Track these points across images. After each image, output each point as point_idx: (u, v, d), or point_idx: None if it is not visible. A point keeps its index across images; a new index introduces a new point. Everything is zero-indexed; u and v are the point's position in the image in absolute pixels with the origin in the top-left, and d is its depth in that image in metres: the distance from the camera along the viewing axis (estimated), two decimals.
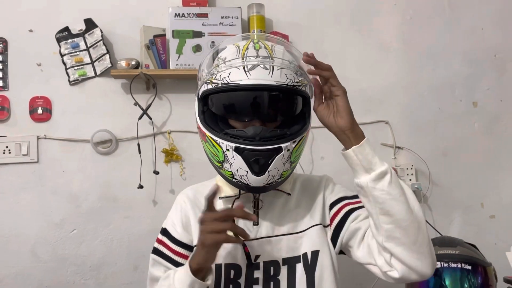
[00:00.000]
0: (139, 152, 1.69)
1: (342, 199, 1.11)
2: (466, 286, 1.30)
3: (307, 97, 1.04)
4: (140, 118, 1.69)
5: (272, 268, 1.05)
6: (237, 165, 0.97)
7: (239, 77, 0.97)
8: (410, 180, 1.83)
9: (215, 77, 1.00)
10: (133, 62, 1.68)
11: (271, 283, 1.04)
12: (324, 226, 1.09)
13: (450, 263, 1.32)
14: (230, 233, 0.92)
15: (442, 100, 1.91)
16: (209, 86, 1.01)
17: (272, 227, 1.06)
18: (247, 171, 0.97)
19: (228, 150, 0.97)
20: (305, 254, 1.06)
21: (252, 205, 1.07)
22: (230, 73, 0.99)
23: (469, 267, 1.31)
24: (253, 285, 1.04)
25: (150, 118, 1.71)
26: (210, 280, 0.98)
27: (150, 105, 1.70)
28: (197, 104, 1.06)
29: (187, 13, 1.71)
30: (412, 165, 1.84)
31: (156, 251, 1.10)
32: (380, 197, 0.93)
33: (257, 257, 1.05)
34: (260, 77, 0.97)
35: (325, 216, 1.10)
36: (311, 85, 1.05)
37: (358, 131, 0.98)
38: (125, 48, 1.75)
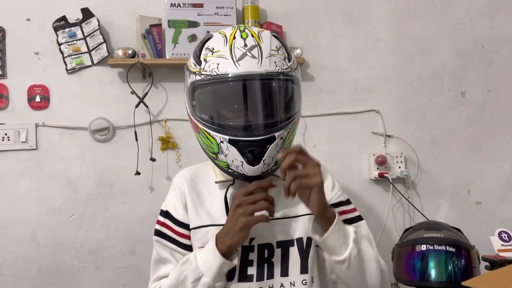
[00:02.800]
0: (136, 139, 1.73)
1: (340, 204, 1.15)
2: (450, 267, 1.36)
3: (297, 82, 1.05)
4: (136, 106, 1.73)
5: (266, 251, 1.08)
6: (232, 156, 0.98)
7: (228, 68, 0.97)
8: (399, 167, 1.88)
9: (203, 68, 1.00)
10: (130, 51, 1.71)
11: (265, 265, 1.07)
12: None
13: (435, 245, 1.38)
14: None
15: (431, 90, 1.96)
16: (198, 77, 1.00)
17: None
18: (243, 162, 0.98)
19: (222, 142, 0.98)
20: (300, 239, 1.09)
21: None
22: (218, 64, 0.98)
23: (453, 250, 1.37)
24: (247, 266, 1.07)
25: (147, 107, 1.74)
26: (236, 259, 1.01)
27: (146, 94, 1.74)
28: (186, 95, 1.06)
29: (183, 3, 1.74)
30: (402, 153, 1.89)
31: (159, 233, 1.12)
32: (337, 272, 1.04)
33: (252, 239, 1.07)
34: (249, 67, 0.97)
35: None
36: (299, 69, 1.07)
37: (329, 215, 1.01)
38: (122, 38, 1.77)
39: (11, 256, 1.70)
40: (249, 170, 0.99)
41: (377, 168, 1.86)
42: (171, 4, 1.73)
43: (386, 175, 1.84)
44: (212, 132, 1.00)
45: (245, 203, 0.97)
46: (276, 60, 1.00)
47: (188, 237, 1.10)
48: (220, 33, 1.05)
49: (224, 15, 1.75)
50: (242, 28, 1.04)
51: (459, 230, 1.50)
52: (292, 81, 1.04)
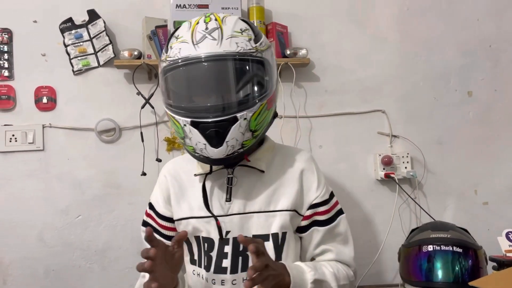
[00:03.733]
0: (142, 140, 1.74)
1: (324, 203, 1.13)
2: (457, 268, 1.35)
3: (265, 63, 1.02)
4: (142, 107, 1.73)
5: (240, 244, 1.06)
6: (196, 139, 0.97)
7: (187, 52, 0.97)
8: (406, 168, 1.87)
9: (169, 55, 1.01)
10: (136, 53, 1.72)
11: (240, 258, 1.07)
12: (298, 214, 1.10)
13: (442, 246, 1.36)
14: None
15: (438, 90, 1.95)
16: (164, 64, 1.02)
17: (244, 204, 1.08)
18: (205, 144, 0.97)
19: (185, 125, 0.98)
20: (275, 234, 1.08)
21: (225, 181, 1.09)
22: (180, 48, 0.98)
23: (460, 250, 1.35)
24: (223, 259, 1.07)
25: (153, 107, 1.75)
26: None
27: (152, 95, 1.74)
28: (159, 83, 1.08)
29: (188, 4, 1.74)
30: (408, 153, 1.88)
31: (144, 224, 1.17)
32: None
33: (227, 232, 1.08)
34: (208, 48, 0.96)
35: (301, 204, 1.11)
36: (272, 51, 1.05)
37: None
38: (128, 39, 1.78)
39: (18, 256, 1.71)
40: (212, 152, 0.98)
41: (383, 169, 1.85)
42: (177, 5, 1.73)
43: (392, 175, 1.83)
44: (176, 116, 1.00)
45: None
46: (239, 41, 0.98)
47: (171, 229, 1.14)
48: (188, 21, 1.06)
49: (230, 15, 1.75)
50: (208, 14, 1.05)
51: (466, 230, 1.48)
52: (258, 62, 1.01)
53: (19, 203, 1.72)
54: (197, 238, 1.11)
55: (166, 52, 1.03)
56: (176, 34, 1.05)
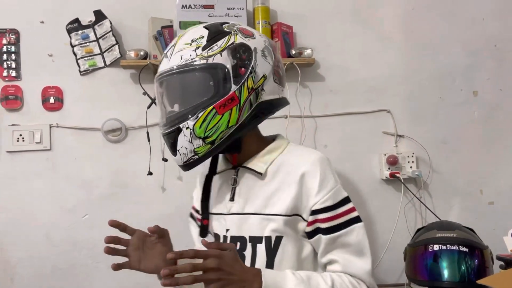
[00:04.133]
0: (148, 140, 1.74)
1: (326, 210, 1.05)
2: (463, 268, 1.35)
3: (212, 67, 1.01)
4: (149, 107, 1.74)
5: (239, 243, 1.07)
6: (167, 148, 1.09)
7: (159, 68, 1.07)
8: (411, 167, 1.87)
9: None
10: (142, 53, 1.72)
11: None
12: (303, 219, 1.06)
13: (448, 245, 1.37)
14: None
15: (443, 89, 1.94)
16: None
17: (243, 205, 1.09)
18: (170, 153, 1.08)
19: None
20: (268, 237, 1.05)
21: (231, 182, 1.12)
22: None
23: (466, 250, 1.36)
24: None
25: None
26: None
27: None
28: None
29: (194, 5, 1.75)
30: (413, 153, 1.88)
31: (190, 215, 1.27)
32: None
33: (227, 231, 1.10)
34: (161, 67, 1.05)
35: (304, 209, 1.05)
36: (235, 50, 1.02)
37: None
38: (134, 39, 1.79)
39: (26, 255, 1.72)
40: (175, 160, 1.07)
41: (388, 168, 1.85)
42: (182, 5, 1.74)
43: (397, 175, 1.83)
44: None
45: None
46: (183, 54, 1.01)
47: (198, 219, 1.21)
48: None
49: (235, 16, 1.76)
50: (185, 30, 1.09)
51: (472, 230, 1.49)
52: (195, 70, 1.01)
53: (26, 202, 1.73)
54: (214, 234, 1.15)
55: None
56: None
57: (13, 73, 1.74)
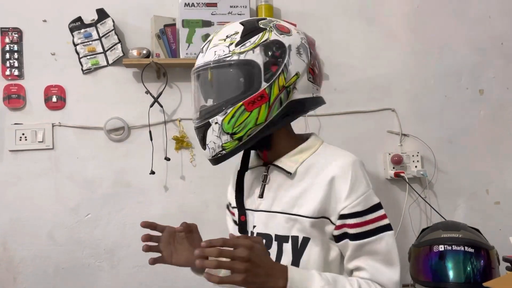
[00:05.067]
0: (151, 139, 1.74)
1: (354, 215, 1.01)
2: (468, 268, 1.33)
3: (243, 64, 1.01)
4: (151, 106, 1.74)
5: (264, 241, 1.04)
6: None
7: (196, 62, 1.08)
8: (416, 167, 1.85)
9: None
10: (144, 51, 1.72)
11: None
12: (331, 222, 1.03)
13: (453, 246, 1.35)
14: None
15: (449, 88, 1.92)
16: None
17: (271, 203, 1.08)
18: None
19: None
20: (295, 237, 1.04)
21: (262, 178, 1.11)
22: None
23: (472, 250, 1.34)
24: None
25: (161, 106, 1.75)
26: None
27: (161, 93, 1.75)
28: None
29: (197, 3, 1.74)
30: (418, 152, 1.87)
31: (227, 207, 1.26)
32: None
33: (254, 227, 1.10)
34: (197, 62, 1.06)
35: (333, 212, 1.03)
36: (269, 48, 1.01)
37: None
38: (136, 38, 1.78)
39: (29, 254, 1.72)
40: (204, 153, 1.07)
41: (393, 168, 1.83)
42: (185, 3, 1.73)
43: (402, 174, 1.81)
44: None
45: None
46: (217, 49, 1.02)
47: (232, 214, 1.21)
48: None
49: (238, 14, 1.75)
50: (224, 25, 1.10)
51: (478, 230, 1.47)
52: (228, 66, 1.02)
53: (29, 201, 1.73)
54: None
55: None
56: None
57: (16, 72, 1.74)
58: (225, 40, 1.03)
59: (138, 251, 1.73)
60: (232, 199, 1.18)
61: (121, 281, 1.75)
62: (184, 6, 1.73)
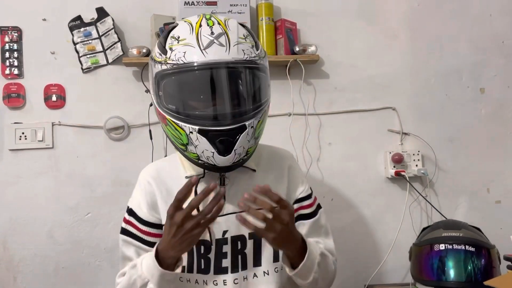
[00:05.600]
0: (151, 138, 1.73)
1: (305, 198, 1.17)
2: (469, 267, 1.33)
3: (265, 70, 1.03)
4: (151, 105, 1.71)
5: (239, 242, 1.08)
6: (203, 147, 0.96)
7: (195, 56, 0.94)
8: (416, 165, 1.85)
9: (169, 57, 0.97)
10: (144, 50, 1.71)
11: (239, 256, 1.08)
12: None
13: (454, 245, 1.35)
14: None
15: (449, 86, 1.92)
16: (164, 67, 0.97)
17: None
18: (213, 152, 0.96)
19: (191, 132, 0.95)
20: None
21: (218, 182, 1.07)
22: (185, 52, 0.95)
23: (473, 249, 1.34)
24: (222, 259, 1.07)
25: None
26: (180, 267, 1.01)
27: None
28: (152, 85, 1.03)
29: (196, 1, 1.73)
30: (419, 151, 1.86)
31: (124, 231, 1.11)
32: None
33: (225, 232, 1.07)
34: (217, 54, 0.95)
35: (289, 200, 1.13)
36: (267, 57, 1.06)
37: (297, 246, 1.02)
38: (136, 36, 1.78)
39: (29, 254, 1.72)
40: (220, 160, 0.97)
41: (394, 166, 1.83)
42: (185, 2, 1.72)
43: (403, 173, 1.81)
44: (180, 123, 0.97)
45: (182, 220, 0.92)
46: (244, 48, 0.98)
47: (154, 235, 1.09)
48: (185, 21, 1.02)
49: (238, 12, 1.74)
50: (208, 16, 1.02)
51: (478, 229, 1.46)
52: (259, 69, 1.02)
53: (29, 200, 1.72)
54: None
55: (164, 53, 0.98)
56: (174, 34, 1.00)
57: (16, 71, 1.73)
58: (245, 40, 1.00)
59: None
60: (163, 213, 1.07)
61: None
62: (184, 5, 1.73)
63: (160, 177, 1.13)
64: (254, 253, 1.09)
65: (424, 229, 1.54)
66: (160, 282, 0.97)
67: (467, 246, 1.34)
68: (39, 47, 1.74)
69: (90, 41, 1.76)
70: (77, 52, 1.75)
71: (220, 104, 0.97)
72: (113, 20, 1.75)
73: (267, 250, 1.10)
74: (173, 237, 0.93)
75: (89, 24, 1.76)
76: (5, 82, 1.72)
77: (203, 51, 0.95)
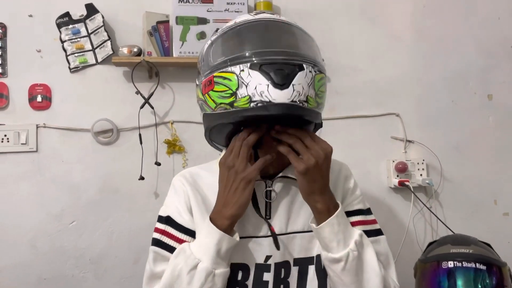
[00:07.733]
0: (141, 142, 1.64)
1: (359, 212, 1.03)
2: (480, 287, 1.24)
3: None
4: (141, 107, 1.64)
5: (283, 270, 0.95)
6: (256, 81, 0.83)
7: (246, 18, 0.95)
8: (421, 175, 1.77)
9: (228, 25, 0.99)
10: (135, 49, 1.63)
11: (281, 286, 0.95)
12: None
13: (463, 262, 1.26)
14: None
15: (456, 92, 1.84)
16: (223, 30, 0.98)
17: (286, 223, 0.96)
18: (268, 85, 0.82)
19: (242, 70, 0.84)
20: (318, 256, 0.96)
21: (263, 195, 0.96)
22: (237, 17, 0.97)
23: (484, 267, 1.25)
24: None
25: (152, 108, 1.65)
26: (237, 235, 0.91)
27: (152, 94, 1.65)
28: (204, 59, 0.97)
29: None
30: (423, 160, 1.78)
31: (158, 243, 0.97)
32: (332, 275, 0.92)
33: (268, 257, 0.95)
34: (269, 16, 0.96)
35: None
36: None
37: (328, 202, 0.92)
38: (127, 35, 1.69)
39: (10, 263, 1.62)
40: (276, 95, 0.82)
41: (397, 176, 1.74)
42: None
43: (406, 183, 1.72)
44: (230, 68, 0.86)
45: (234, 160, 0.90)
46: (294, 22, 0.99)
47: None
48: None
49: (235, 11, 1.66)
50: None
51: (489, 245, 1.37)
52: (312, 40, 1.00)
53: (10, 206, 1.63)
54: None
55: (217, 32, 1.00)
56: (224, 26, 0.99)
57: None
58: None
59: (125, 261, 1.65)
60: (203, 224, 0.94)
61: None
62: (178, 2, 1.64)
63: (195, 182, 1.02)
64: (298, 282, 0.96)
65: (430, 243, 1.45)
66: (215, 257, 0.87)
67: (477, 264, 1.25)
68: (25, 44, 1.66)
69: (78, 39, 1.67)
70: (65, 50, 1.67)
71: (278, 44, 0.90)
72: (103, 17, 1.66)
73: (311, 281, 0.96)
74: (226, 184, 0.90)
75: (77, 21, 1.68)
76: None
77: (254, 16, 0.96)
